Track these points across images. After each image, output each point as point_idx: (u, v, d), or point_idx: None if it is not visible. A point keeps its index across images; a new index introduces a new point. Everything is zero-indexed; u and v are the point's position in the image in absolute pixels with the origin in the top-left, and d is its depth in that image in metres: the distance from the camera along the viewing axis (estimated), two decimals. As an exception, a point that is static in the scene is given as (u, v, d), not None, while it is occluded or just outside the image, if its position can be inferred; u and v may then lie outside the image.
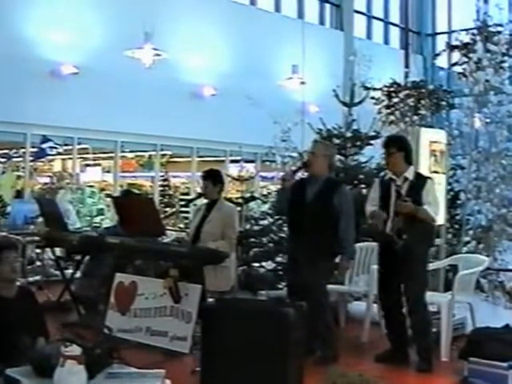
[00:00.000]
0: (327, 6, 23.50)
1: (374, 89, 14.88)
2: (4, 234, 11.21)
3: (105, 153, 18.12)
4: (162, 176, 19.56)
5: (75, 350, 3.92)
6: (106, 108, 15.57)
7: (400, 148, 6.78)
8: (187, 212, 17.23)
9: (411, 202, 6.46)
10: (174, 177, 20.58)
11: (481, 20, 11.41)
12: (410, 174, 6.73)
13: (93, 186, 17.84)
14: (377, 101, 16.41)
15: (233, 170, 15.61)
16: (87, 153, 17.71)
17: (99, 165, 18.87)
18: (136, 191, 17.35)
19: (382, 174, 7.63)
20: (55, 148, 15.81)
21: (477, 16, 11.80)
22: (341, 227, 6.66)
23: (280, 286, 9.00)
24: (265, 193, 12.99)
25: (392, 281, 6.69)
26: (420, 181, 6.72)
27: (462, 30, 13.16)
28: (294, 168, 7.45)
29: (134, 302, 6.59)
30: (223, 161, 19.22)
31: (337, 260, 6.84)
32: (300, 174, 7.10)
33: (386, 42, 25.38)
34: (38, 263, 10.19)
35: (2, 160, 17.05)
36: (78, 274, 8.85)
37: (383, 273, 6.84)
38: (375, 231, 6.99)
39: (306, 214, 6.69)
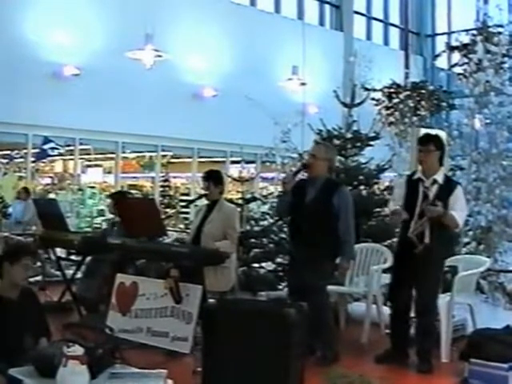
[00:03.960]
0: (327, 6, 23.54)
1: (374, 90, 14.91)
2: (6, 234, 11.26)
3: (106, 153, 18.15)
4: (163, 177, 19.57)
5: (77, 350, 3.94)
6: (106, 109, 15.61)
7: (438, 147, 6.67)
8: (187, 213, 17.26)
9: (442, 206, 6.38)
10: (175, 177, 20.60)
11: (481, 21, 11.42)
12: (439, 176, 6.61)
13: (94, 187, 17.87)
14: (377, 102, 16.47)
15: (233, 170, 15.63)
16: (88, 153, 17.75)
17: (100, 165, 18.91)
18: (135, 192, 17.39)
19: (408, 172, 7.49)
20: (57, 149, 15.87)
21: (477, 17, 11.82)
22: (341, 228, 6.66)
23: (280, 287, 9.01)
24: (265, 193, 12.98)
25: (405, 283, 6.65)
26: (449, 185, 6.62)
27: (462, 31, 13.18)
28: (294, 170, 7.43)
29: (135, 302, 6.61)
30: (224, 161, 19.25)
31: (337, 261, 6.84)
32: (300, 176, 7.08)
33: (386, 42, 25.42)
34: (39, 263, 10.20)
35: (4, 161, 17.09)
36: (79, 275, 8.87)
37: (398, 274, 6.82)
38: (393, 226, 6.98)
39: (307, 215, 6.69)
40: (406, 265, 6.66)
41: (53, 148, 15.74)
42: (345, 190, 6.97)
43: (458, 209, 6.52)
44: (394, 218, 6.78)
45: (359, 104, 9.92)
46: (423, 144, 6.70)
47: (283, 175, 8.47)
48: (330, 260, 6.72)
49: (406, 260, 6.67)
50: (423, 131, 8.49)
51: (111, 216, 9.50)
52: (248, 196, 10.29)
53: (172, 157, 19.78)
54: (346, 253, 6.73)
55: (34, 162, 16.21)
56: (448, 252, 6.96)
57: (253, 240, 9.75)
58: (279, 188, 7.65)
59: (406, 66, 20.14)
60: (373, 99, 15.65)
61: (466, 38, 12.37)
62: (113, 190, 17.14)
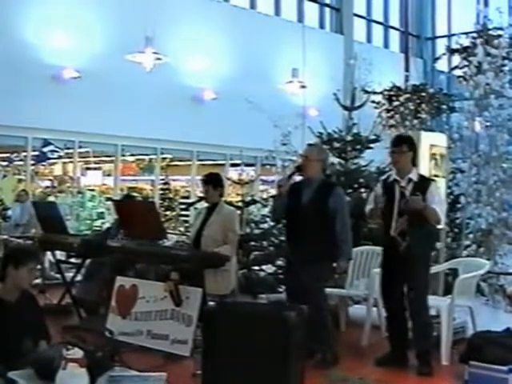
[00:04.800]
0: (327, 9, 23.55)
1: (375, 92, 14.90)
2: (5, 237, 11.26)
3: (105, 156, 18.16)
4: (163, 179, 19.58)
5: (77, 353, 3.93)
6: (106, 112, 15.62)
7: (410, 148, 6.78)
8: (187, 215, 17.28)
9: (421, 199, 6.44)
10: (174, 180, 20.61)
11: (481, 23, 11.42)
12: (414, 175, 6.70)
13: (93, 190, 17.87)
14: (377, 104, 16.47)
15: (233, 173, 15.63)
16: (88, 156, 17.75)
17: (100, 168, 18.91)
18: (136, 195, 17.38)
19: (384, 175, 7.60)
20: (56, 152, 15.87)
21: (477, 19, 11.81)
22: (337, 228, 6.67)
23: (280, 290, 9.00)
24: (265, 196, 12.98)
25: (395, 283, 6.67)
26: (424, 183, 6.69)
27: (462, 34, 13.17)
28: (288, 173, 7.44)
29: (134, 305, 6.60)
30: (223, 164, 19.25)
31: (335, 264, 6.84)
32: (295, 178, 7.08)
33: (386, 45, 25.43)
34: (39, 266, 10.21)
35: (4, 163, 17.09)
36: (79, 278, 8.87)
37: (386, 275, 6.82)
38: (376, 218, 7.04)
39: (303, 217, 6.70)
40: (392, 266, 6.69)
41: (52, 151, 15.75)
42: (340, 190, 6.98)
43: (437, 203, 6.59)
44: (374, 214, 6.88)
45: (359, 107, 9.93)
46: (396, 145, 6.80)
47: (280, 178, 8.46)
48: (327, 261, 6.72)
49: (391, 261, 6.70)
50: (424, 134, 8.50)
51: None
52: (248, 199, 10.28)
53: (171, 160, 19.79)
54: (343, 253, 6.73)
55: (33, 164, 16.21)
56: (429, 249, 7.03)
57: (253, 243, 9.75)
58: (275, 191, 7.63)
59: (406, 69, 20.17)
60: (373, 102, 15.64)
61: (466, 41, 12.37)
62: (112, 193, 17.20)
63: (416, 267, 6.56)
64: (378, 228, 8.93)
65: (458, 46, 13.20)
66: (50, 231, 8.88)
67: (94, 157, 18.03)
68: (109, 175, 18.57)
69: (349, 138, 9.64)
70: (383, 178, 7.31)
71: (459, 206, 10.22)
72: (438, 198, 6.67)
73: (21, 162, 16.48)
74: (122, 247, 7.38)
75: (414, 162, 6.88)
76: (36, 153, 15.90)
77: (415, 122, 15.01)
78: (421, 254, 6.62)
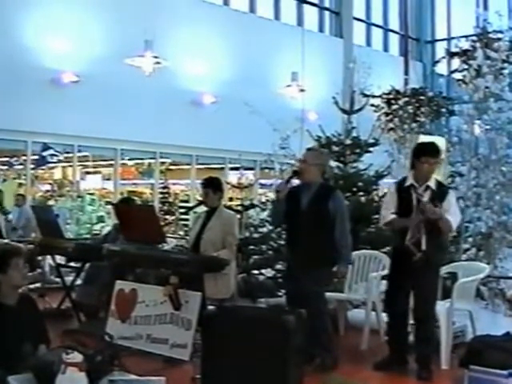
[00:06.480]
0: (327, 13, 23.58)
1: (374, 96, 14.92)
2: (6, 240, 11.26)
3: (105, 160, 18.17)
4: (162, 183, 19.58)
5: (76, 357, 3.93)
6: (106, 116, 15.63)
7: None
8: (187, 219, 17.28)
9: (440, 208, 6.40)
10: (174, 184, 20.62)
11: (480, 27, 11.43)
12: (432, 182, 6.62)
13: (93, 194, 17.88)
14: (376, 108, 16.49)
15: (232, 177, 15.64)
16: (87, 160, 17.77)
17: (99, 172, 18.93)
18: (136, 199, 17.37)
19: (399, 179, 7.44)
20: (56, 156, 15.89)
21: (476, 23, 11.82)
22: (336, 233, 6.64)
23: (279, 294, 8.99)
24: (264, 200, 12.96)
25: (403, 290, 6.65)
26: (442, 191, 6.64)
27: (462, 37, 13.19)
28: (286, 177, 7.39)
29: (134, 309, 6.61)
30: (223, 168, 19.26)
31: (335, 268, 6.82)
32: (293, 183, 7.04)
33: (386, 49, 25.46)
34: (39, 270, 10.23)
35: (4, 167, 17.10)
36: (79, 281, 8.87)
37: (394, 280, 6.79)
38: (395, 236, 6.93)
39: (302, 222, 6.67)
40: (403, 272, 6.64)
41: (52, 155, 15.78)
42: (339, 194, 6.94)
43: (453, 213, 6.56)
44: (390, 227, 6.81)
45: (358, 110, 9.92)
46: (435, 156, 6.69)
47: (279, 181, 8.45)
48: (327, 265, 6.70)
49: (403, 267, 6.65)
50: (422, 138, 8.48)
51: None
52: (247, 203, 10.28)
53: (170, 164, 19.80)
54: (343, 257, 6.71)
55: (33, 168, 16.23)
56: (442, 257, 7.00)
57: (252, 247, 9.73)
58: (274, 196, 7.59)
59: (406, 72, 20.18)
60: (372, 105, 15.67)
61: (465, 44, 12.38)
62: (112, 197, 17.20)
63: (428, 276, 6.53)
64: (377, 232, 8.96)
65: (457, 50, 13.23)
66: (47, 235, 8.91)
67: (94, 161, 18.05)
68: (108, 179, 18.59)
69: (348, 141, 9.63)
70: (397, 181, 7.18)
71: (458, 209, 10.20)
72: (454, 209, 6.61)
73: (20, 166, 16.50)
74: (122, 251, 7.37)
75: None
76: (36, 157, 15.92)
77: (414, 125, 15.03)
78: (435, 263, 6.61)
